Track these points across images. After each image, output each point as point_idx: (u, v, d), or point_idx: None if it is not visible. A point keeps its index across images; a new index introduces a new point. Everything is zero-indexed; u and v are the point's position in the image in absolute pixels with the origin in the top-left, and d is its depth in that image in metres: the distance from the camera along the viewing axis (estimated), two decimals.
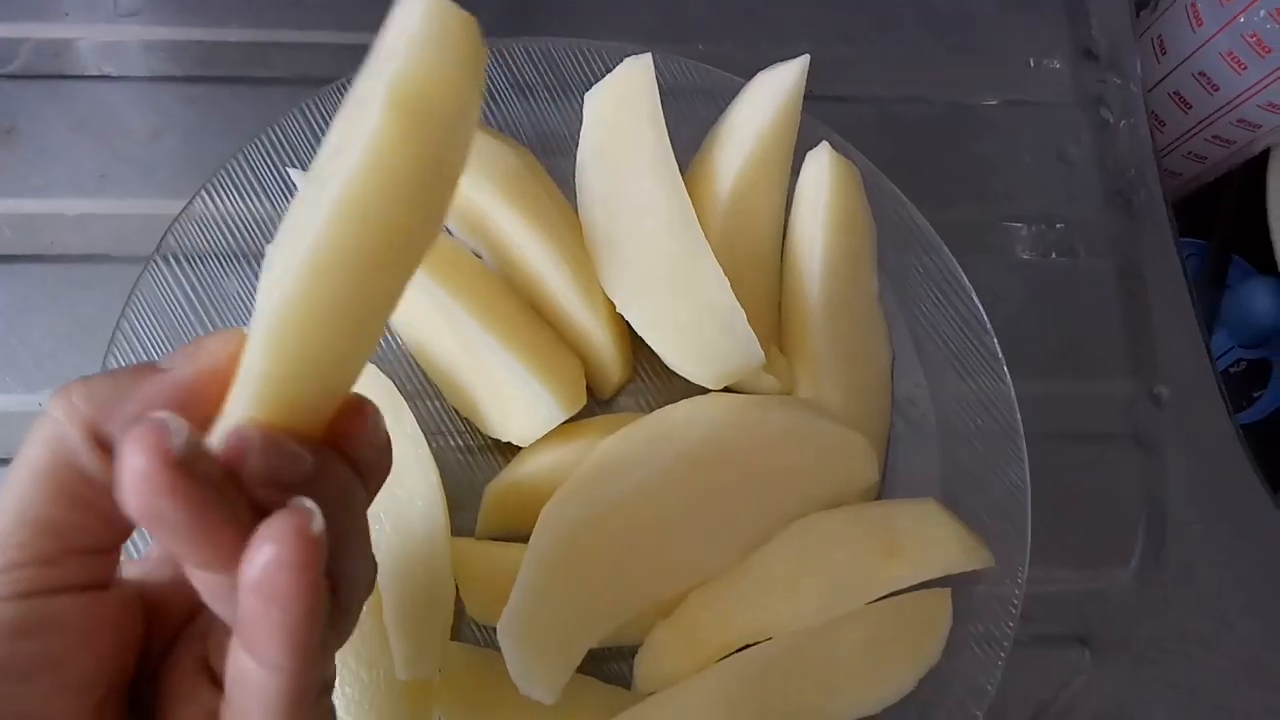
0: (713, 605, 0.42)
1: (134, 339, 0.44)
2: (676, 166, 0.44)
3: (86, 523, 0.24)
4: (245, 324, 0.44)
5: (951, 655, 0.44)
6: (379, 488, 0.27)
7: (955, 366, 0.49)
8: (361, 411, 0.25)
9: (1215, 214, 0.76)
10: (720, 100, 0.50)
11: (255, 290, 0.45)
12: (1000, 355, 0.48)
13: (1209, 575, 0.50)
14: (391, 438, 0.41)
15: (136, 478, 0.19)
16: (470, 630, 0.43)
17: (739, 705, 0.40)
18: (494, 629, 0.38)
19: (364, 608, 0.39)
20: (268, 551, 0.20)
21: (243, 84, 0.51)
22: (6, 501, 0.23)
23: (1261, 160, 0.69)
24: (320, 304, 0.22)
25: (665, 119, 0.45)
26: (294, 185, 0.45)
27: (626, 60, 0.46)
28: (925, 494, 0.47)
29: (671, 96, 0.50)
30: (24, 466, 0.23)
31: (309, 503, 0.21)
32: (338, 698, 0.40)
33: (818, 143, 0.48)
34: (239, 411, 0.22)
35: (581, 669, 0.42)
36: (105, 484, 0.23)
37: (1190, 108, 0.65)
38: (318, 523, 0.21)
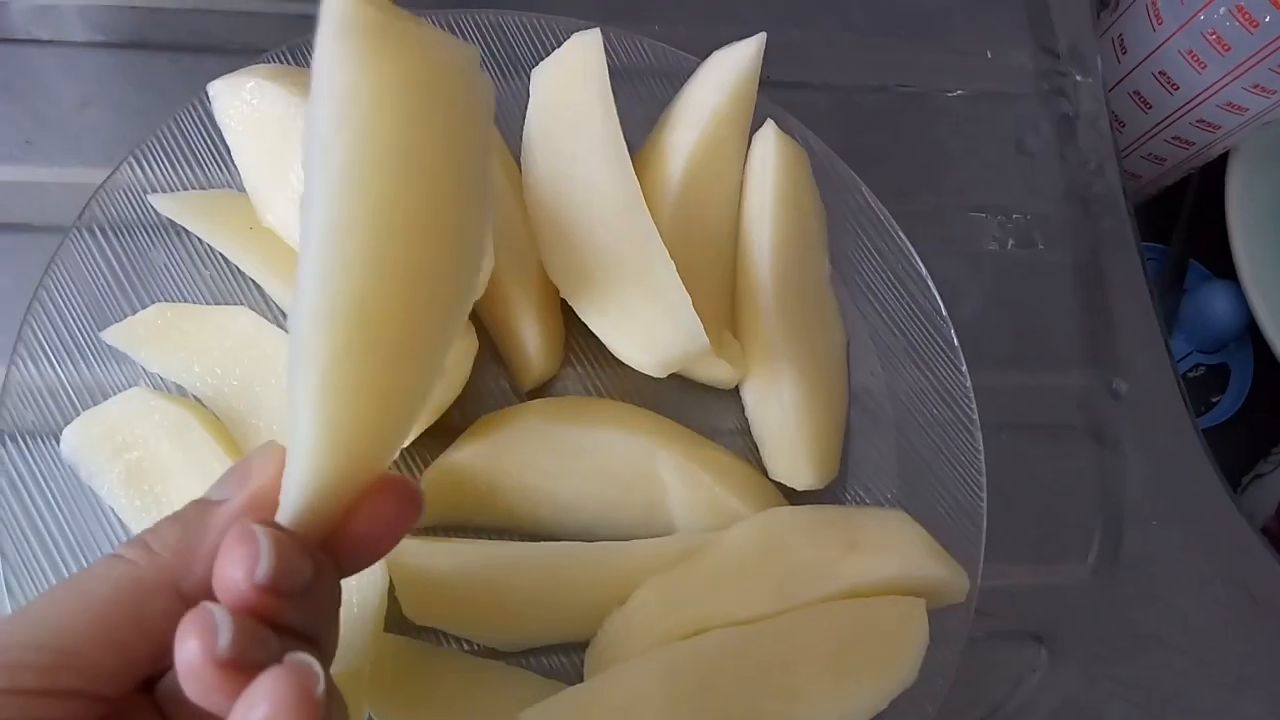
0: (665, 594, 0.40)
1: (52, 310, 0.42)
2: (625, 147, 0.43)
3: (110, 665, 0.23)
4: (170, 297, 0.43)
5: None
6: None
7: (911, 356, 0.48)
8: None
9: (1173, 218, 0.75)
10: (675, 81, 0.48)
11: (182, 261, 0.44)
12: (957, 345, 0.47)
13: (1167, 572, 0.49)
14: None
15: (192, 672, 0.21)
16: (404, 621, 0.41)
17: (684, 700, 0.38)
18: None
19: None
20: (263, 710, 0.20)
21: (179, 52, 0.49)
22: (43, 614, 0.23)
23: (1219, 164, 0.69)
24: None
25: (618, 100, 0.43)
26: (227, 154, 0.43)
27: (574, 36, 0.45)
28: (882, 485, 0.46)
29: (625, 77, 0.49)
30: (79, 595, 0.23)
31: (314, 664, 0.21)
32: None
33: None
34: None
35: (523, 664, 0.41)
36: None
37: (1150, 108, 0.65)
38: (320, 686, 0.21)
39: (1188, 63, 0.61)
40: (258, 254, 0.42)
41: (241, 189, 0.43)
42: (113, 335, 0.41)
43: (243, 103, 0.40)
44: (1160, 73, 0.63)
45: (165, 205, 0.43)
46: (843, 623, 0.39)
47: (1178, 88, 0.63)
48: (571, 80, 0.45)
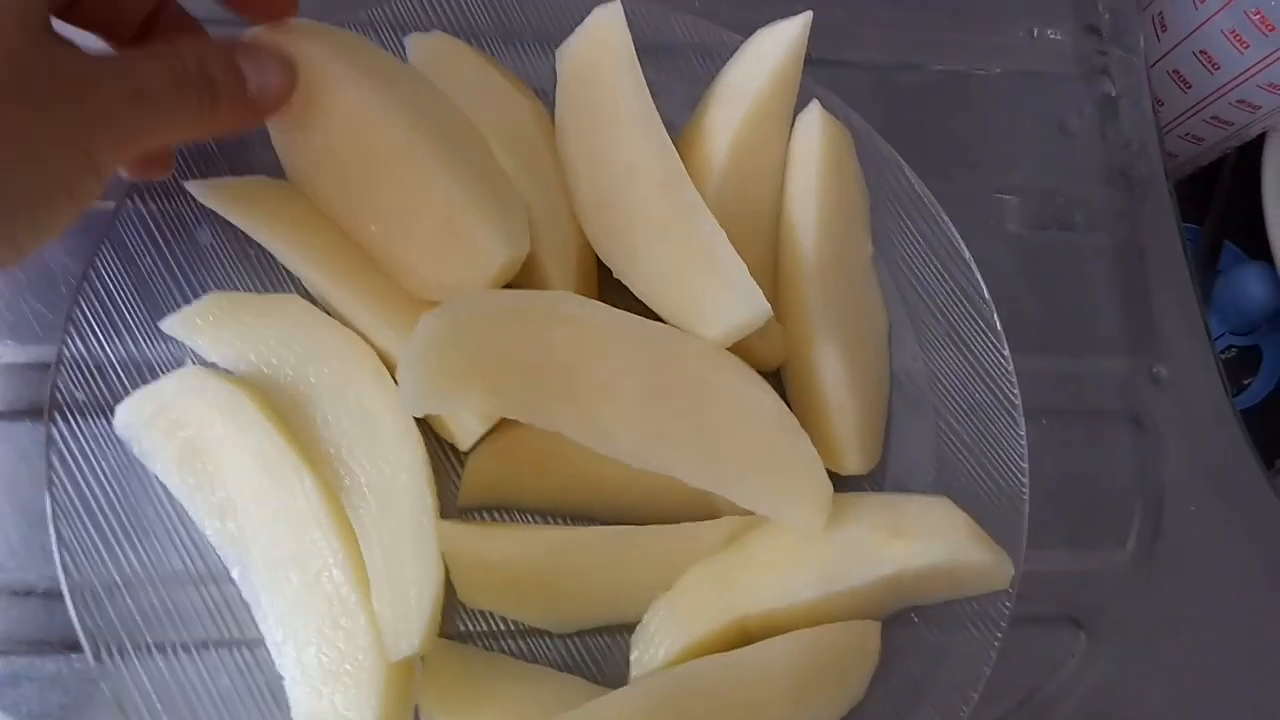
0: (710, 580, 0.40)
1: (100, 289, 0.41)
2: (660, 121, 0.43)
3: None
4: (216, 277, 0.42)
5: (947, 634, 0.43)
6: None
7: (953, 339, 0.47)
8: None
9: (1208, 198, 0.75)
10: (717, 58, 0.48)
11: (228, 242, 0.43)
12: (1000, 329, 0.47)
13: (1205, 557, 0.49)
14: (374, 409, 0.39)
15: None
16: (458, 623, 0.41)
17: None
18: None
19: (350, 583, 0.37)
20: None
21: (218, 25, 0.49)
22: None
23: (1256, 145, 0.68)
24: None
25: (658, 77, 0.43)
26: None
27: (595, 11, 0.45)
28: (922, 469, 0.46)
29: (666, 53, 0.48)
30: None
31: None
32: (313, 667, 0.37)
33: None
34: None
35: (573, 644, 0.41)
36: None
37: (1190, 87, 0.64)
38: None
39: (1230, 42, 0.60)
40: (299, 247, 0.42)
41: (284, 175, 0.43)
42: (170, 325, 0.41)
43: None
44: (1201, 51, 0.62)
45: (203, 192, 0.42)
46: (806, 647, 0.40)
47: (1219, 67, 0.62)
48: (598, 56, 0.44)
